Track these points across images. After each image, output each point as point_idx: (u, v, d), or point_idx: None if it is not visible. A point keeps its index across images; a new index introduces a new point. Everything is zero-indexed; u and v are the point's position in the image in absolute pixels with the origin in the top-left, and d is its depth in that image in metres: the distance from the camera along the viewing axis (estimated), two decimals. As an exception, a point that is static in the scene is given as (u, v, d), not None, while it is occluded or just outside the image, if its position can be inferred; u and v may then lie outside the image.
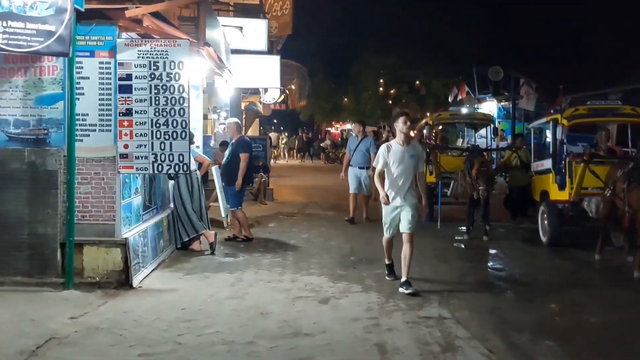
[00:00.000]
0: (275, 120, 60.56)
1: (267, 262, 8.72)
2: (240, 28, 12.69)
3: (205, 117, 14.43)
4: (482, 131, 22.45)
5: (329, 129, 52.76)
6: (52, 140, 7.06)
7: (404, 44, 32.88)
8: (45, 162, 7.04)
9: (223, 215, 11.59)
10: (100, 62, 7.09)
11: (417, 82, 34.93)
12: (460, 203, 12.77)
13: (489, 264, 9.04)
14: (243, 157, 10.03)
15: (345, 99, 41.44)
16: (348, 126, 43.34)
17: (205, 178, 11.34)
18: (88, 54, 7.04)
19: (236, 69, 11.45)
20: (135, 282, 7.24)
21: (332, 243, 10.24)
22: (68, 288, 6.88)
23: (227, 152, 10.39)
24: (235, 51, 11.92)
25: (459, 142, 20.38)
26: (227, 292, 7.15)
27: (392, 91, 37.19)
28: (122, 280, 7.18)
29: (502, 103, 25.48)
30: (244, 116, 18.79)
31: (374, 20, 33.90)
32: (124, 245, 7.20)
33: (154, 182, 8.81)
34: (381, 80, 37.34)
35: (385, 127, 37.08)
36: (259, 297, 6.95)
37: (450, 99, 27.73)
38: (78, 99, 7.03)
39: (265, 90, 21.03)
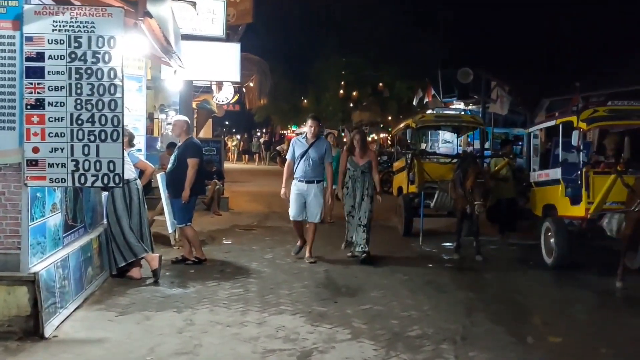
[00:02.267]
0: (227, 122, 58.40)
1: (224, 295, 6.96)
2: (194, 4, 10.80)
3: (151, 116, 12.58)
4: (447, 136, 21.20)
5: (285, 132, 51.05)
6: None
7: (367, 43, 31.39)
8: None
9: (170, 230, 9.76)
10: (1, 36, 5.24)
11: (380, 84, 33.50)
12: (437, 215, 11.34)
13: (497, 295, 7.47)
14: (191, 163, 8.24)
15: (305, 100, 39.71)
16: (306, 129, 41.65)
17: (150, 186, 9.51)
18: (-18, 22, 5.20)
19: (187, 58, 9.65)
20: (49, 331, 5.42)
21: (302, 266, 8.54)
22: (-49, 343, 5.01)
23: (172, 157, 8.57)
24: (186, 37, 10.10)
25: (423, 147, 19.01)
26: (174, 343, 5.39)
27: (354, 93, 35.64)
28: (29, 329, 5.35)
29: (470, 107, 24.31)
30: (195, 116, 16.92)
31: (336, 17, 32.31)
32: (32, 282, 5.35)
33: (80, 195, 6.96)
34: (342, 83, 35.80)
35: (344, 131, 35.66)
36: (217, 352, 5.23)
37: (415, 102, 26.54)
38: (-33, 84, 5.19)
39: (219, 88, 19.21)
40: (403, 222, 11.19)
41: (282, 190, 8.92)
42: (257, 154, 40.99)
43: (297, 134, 47.40)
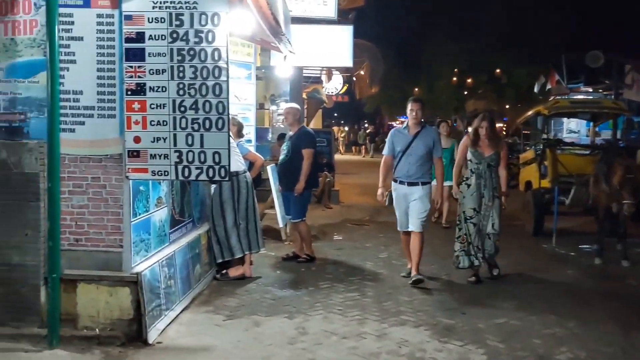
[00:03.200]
0: (335, 114, 58.00)
1: (339, 300, 6.31)
2: (304, -16, 10.19)
3: (261, 106, 12.18)
4: (573, 125, 19.46)
5: (392, 123, 49.95)
6: (32, 130, 4.89)
7: (483, 26, 29.76)
8: (22, 161, 4.86)
9: (281, 225, 9.30)
10: (99, 15, 4.83)
11: (498, 70, 31.69)
12: (571, 213, 10.13)
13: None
14: (307, 154, 7.67)
15: (416, 89, 38.46)
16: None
17: (260, 178, 9.03)
18: (81, 2, 4.80)
19: (297, 43, 9.06)
20: (153, 336, 4.99)
21: (422, 268, 7.70)
22: (52, 346, 4.67)
23: (284, 147, 8.02)
24: (294, 20, 9.51)
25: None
26: (285, 356, 4.81)
27: (468, 80, 34.01)
28: (132, 334, 4.95)
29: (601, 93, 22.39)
30: (305, 106, 16.46)
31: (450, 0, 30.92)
32: (135, 283, 4.94)
33: (187, 187, 6.55)
34: (456, 70, 34.26)
35: (456, 120, 34.16)
36: (332, 369, 4.59)
37: (536, 89, 24.82)
38: (66, 69, 4.82)
39: (329, 78, 18.67)
40: (533, 220, 10.09)
41: (379, 191, 7.08)
42: (363, 146, 40.33)
43: (400, 123, 46.34)
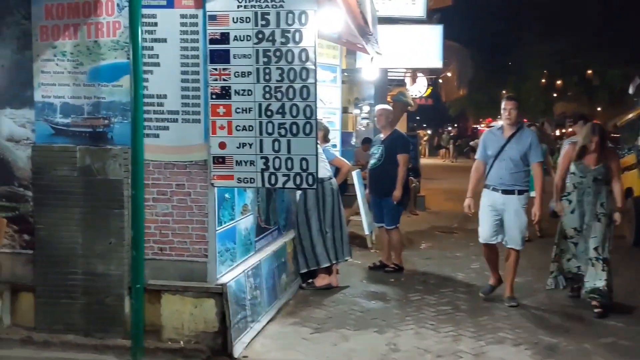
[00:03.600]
0: (418, 117, 57.05)
1: (430, 314, 5.92)
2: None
3: (345, 110, 11.90)
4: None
5: (477, 126, 48.63)
6: (116, 136, 4.78)
7: (575, 27, 28.35)
8: (106, 167, 4.76)
9: (366, 232, 8.97)
10: (183, 15, 4.67)
11: (589, 72, 30.14)
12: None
13: None
14: (403, 159, 7.35)
15: (503, 91, 37.30)
16: (501, 123, 39.19)
17: (345, 183, 8.74)
18: (164, 2, 4.65)
19: (383, 43, 8.72)
20: (239, 349, 4.78)
21: (517, 280, 7.10)
22: (136, 359, 4.51)
23: (375, 151, 7.64)
24: (381, 19, 9.16)
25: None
26: (376, 376, 4.48)
27: (557, 82, 32.55)
28: (217, 347, 4.75)
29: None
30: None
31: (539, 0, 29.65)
32: (220, 294, 4.74)
33: (273, 194, 6.34)
34: (545, 71, 32.86)
35: (544, 124, 32.74)
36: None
37: (631, 90, 23.38)
38: (150, 72, 4.68)
39: (413, 80, 18.20)
40: (634, 229, 9.33)
41: (466, 202, 6.37)
42: (446, 149, 39.42)
43: (489, 126, 44.90)
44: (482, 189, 6.39)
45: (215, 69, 4.60)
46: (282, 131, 4.60)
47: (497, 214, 6.22)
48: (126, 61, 4.60)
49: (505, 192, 6.17)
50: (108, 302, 4.79)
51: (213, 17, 4.58)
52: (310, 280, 6.74)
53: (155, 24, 4.67)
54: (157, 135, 4.73)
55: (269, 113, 4.60)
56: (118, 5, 4.73)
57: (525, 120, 22.47)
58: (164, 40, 4.68)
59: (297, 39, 4.55)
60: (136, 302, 4.49)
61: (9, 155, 5.02)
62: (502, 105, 6.38)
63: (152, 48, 4.68)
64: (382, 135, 7.65)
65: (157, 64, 4.69)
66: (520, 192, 6.17)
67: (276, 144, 4.61)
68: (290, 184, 4.63)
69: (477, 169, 6.46)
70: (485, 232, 6.32)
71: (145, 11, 4.61)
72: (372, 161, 7.63)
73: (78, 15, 4.78)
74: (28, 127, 4.97)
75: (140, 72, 4.36)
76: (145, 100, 4.66)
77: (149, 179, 4.74)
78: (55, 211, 4.85)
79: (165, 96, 4.71)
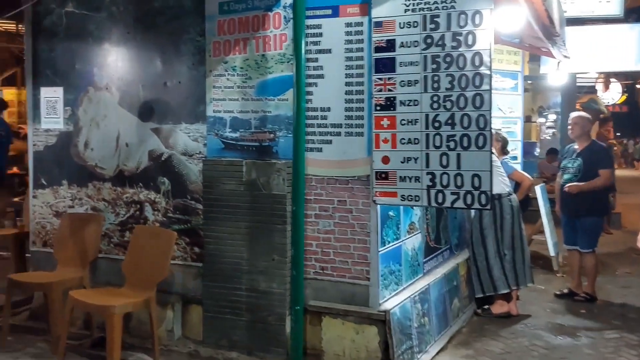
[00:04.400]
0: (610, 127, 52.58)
1: (632, 357, 5.09)
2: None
3: (527, 119, 11.06)
4: None
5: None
6: (281, 150, 4.67)
7: None
8: (270, 181, 4.65)
9: (552, 253, 8.15)
10: (348, 24, 4.43)
11: None
12: None
13: None
14: (605, 174, 6.52)
15: None
16: None
17: (527, 199, 7.96)
18: (330, 11, 4.45)
19: (570, 46, 7.88)
20: (402, 381, 4.41)
21: None
22: (295, 383, 4.34)
23: (569, 164, 6.77)
24: (568, 21, 8.30)
25: None
26: None
27: None
28: (380, 378, 4.41)
29: None
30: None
31: None
32: (383, 322, 4.41)
33: (444, 210, 5.90)
34: None
35: None
36: None
37: None
38: (314, 84, 4.51)
39: (606, 87, 16.62)
40: None
41: None
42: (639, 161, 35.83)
43: None
44: None
45: (380, 79, 4.30)
46: (452, 144, 4.17)
47: None
48: (291, 74, 4.48)
49: None
50: (270, 321, 4.67)
51: (379, 24, 4.29)
52: (486, 307, 6.17)
53: (320, 34, 4.50)
54: (320, 150, 4.55)
55: (436, 124, 4.20)
56: (284, 17, 4.63)
57: None
58: (329, 51, 4.49)
59: (469, 42, 4.11)
60: (295, 325, 4.33)
61: (183, 169, 5.14)
62: None
63: (316, 60, 4.52)
64: (577, 147, 6.80)
65: (322, 76, 4.52)
66: None
67: (444, 158, 4.19)
68: (459, 204, 4.17)
69: None
70: None
71: (310, 22, 4.48)
72: (565, 176, 6.77)
73: (247, 30, 4.77)
74: (200, 141, 5.05)
75: (302, 85, 4.21)
76: (309, 113, 4.51)
77: (311, 194, 4.57)
78: (223, 225, 4.85)
79: (328, 109, 4.51)
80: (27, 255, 6.07)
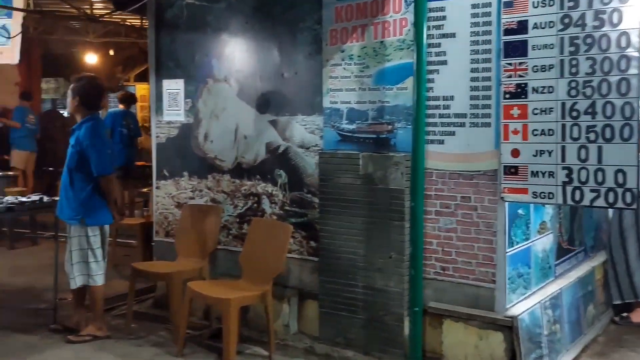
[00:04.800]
0: None
1: None
2: None
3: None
4: None
5: None
6: (399, 142, 4.43)
7: None
8: (387, 175, 4.42)
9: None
10: (474, 5, 4.10)
11: None
12: None
13: None
14: None
15: None
16: None
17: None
18: (454, -10, 4.15)
19: None
20: (530, 393, 4.05)
21: None
22: (413, 387, 4.10)
23: None
24: None
25: None
26: None
27: None
28: (505, 387, 4.08)
29: None
30: None
31: None
32: (509, 328, 4.06)
33: (579, 209, 5.40)
34: None
35: None
36: None
37: None
38: (436, 71, 4.22)
39: None
40: None
41: None
42: None
43: None
44: None
45: (510, 64, 3.94)
46: (592, 136, 3.73)
47: None
48: (411, 61, 4.21)
49: None
50: (387, 321, 4.45)
51: (509, 4, 3.92)
52: (624, 314, 5.60)
53: (444, 18, 4.20)
54: (441, 142, 4.25)
55: (574, 114, 3.78)
56: (405, 1, 4.37)
57: None
58: (453, 35, 4.17)
59: (615, 20, 3.65)
60: (414, 327, 4.09)
61: (300, 162, 5.04)
62: None
63: (439, 45, 4.22)
64: None
65: (444, 62, 4.21)
66: None
67: (583, 151, 3.76)
68: (600, 202, 3.73)
69: None
70: None
71: (432, 4, 4.20)
72: None
73: (365, 16, 4.55)
74: (317, 133, 4.91)
75: (424, 73, 3.94)
76: (430, 102, 4.24)
77: (432, 189, 4.30)
78: (338, 219, 4.69)
79: (452, 97, 4.21)
80: (152, 244, 6.24)
